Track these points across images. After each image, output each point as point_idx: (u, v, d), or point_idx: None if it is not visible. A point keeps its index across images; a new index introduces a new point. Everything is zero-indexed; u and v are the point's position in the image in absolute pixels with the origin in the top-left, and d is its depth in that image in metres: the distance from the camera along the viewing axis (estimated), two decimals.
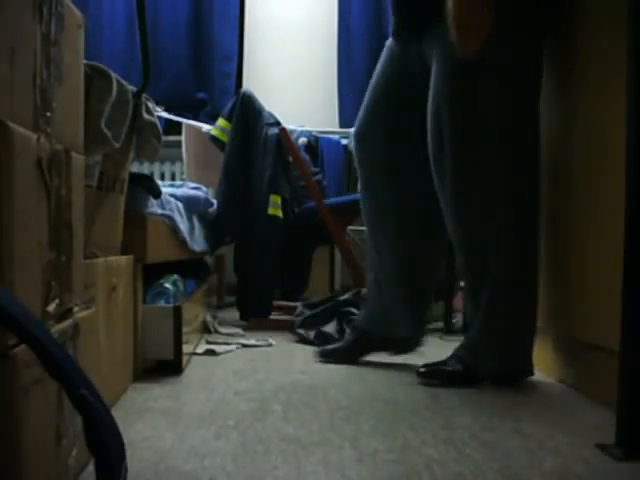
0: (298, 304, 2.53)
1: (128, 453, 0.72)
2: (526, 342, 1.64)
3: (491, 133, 1.55)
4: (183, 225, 2.05)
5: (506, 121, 1.56)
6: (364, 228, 1.93)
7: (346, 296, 2.36)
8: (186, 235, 2.07)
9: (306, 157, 3.07)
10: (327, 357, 1.90)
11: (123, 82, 1.32)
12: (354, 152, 1.90)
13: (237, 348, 2.09)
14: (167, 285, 1.78)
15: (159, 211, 1.81)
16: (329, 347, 1.95)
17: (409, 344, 1.89)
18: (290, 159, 2.71)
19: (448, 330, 2.50)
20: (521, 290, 1.62)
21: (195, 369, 1.75)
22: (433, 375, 1.63)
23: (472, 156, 1.58)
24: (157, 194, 1.74)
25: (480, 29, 1.32)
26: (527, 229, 1.62)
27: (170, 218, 1.90)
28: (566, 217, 1.60)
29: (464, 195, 1.60)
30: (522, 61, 1.56)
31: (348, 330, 2.17)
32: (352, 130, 3.44)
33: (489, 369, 1.62)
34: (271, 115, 2.69)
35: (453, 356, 1.66)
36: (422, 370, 1.64)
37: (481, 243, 1.61)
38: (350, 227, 3.02)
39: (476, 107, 1.55)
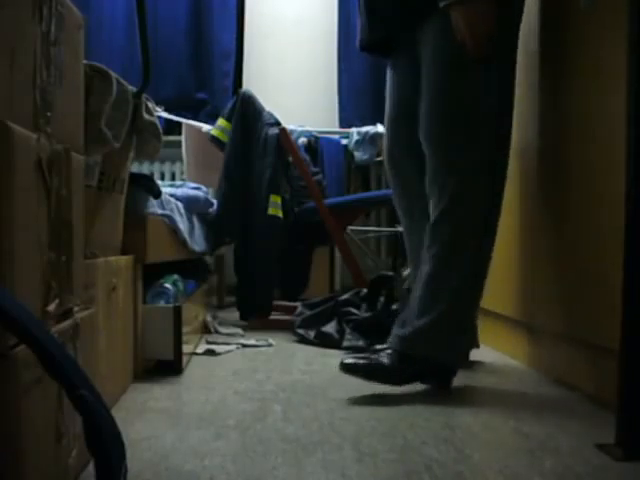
0: (298, 304, 2.53)
1: (128, 453, 0.72)
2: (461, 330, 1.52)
3: (474, 119, 1.50)
4: (183, 225, 2.05)
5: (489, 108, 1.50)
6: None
7: (346, 296, 2.36)
8: (186, 235, 2.08)
9: (306, 157, 3.07)
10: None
11: (123, 82, 1.32)
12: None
13: (237, 348, 2.09)
14: (167, 285, 1.78)
15: (159, 211, 1.81)
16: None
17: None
18: (290, 159, 2.71)
19: None
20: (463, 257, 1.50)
21: (195, 369, 1.76)
22: (354, 368, 1.48)
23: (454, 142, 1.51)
24: (157, 194, 1.74)
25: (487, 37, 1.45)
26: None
27: (170, 218, 1.91)
28: (566, 216, 1.60)
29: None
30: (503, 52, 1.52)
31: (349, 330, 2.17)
32: (353, 130, 3.50)
33: (421, 361, 1.50)
34: (271, 115, 2.69)
35: (389, 346, 1.53)
36: (347, 361, 1.50)
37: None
38: (350, 227, 3.02)
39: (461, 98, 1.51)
